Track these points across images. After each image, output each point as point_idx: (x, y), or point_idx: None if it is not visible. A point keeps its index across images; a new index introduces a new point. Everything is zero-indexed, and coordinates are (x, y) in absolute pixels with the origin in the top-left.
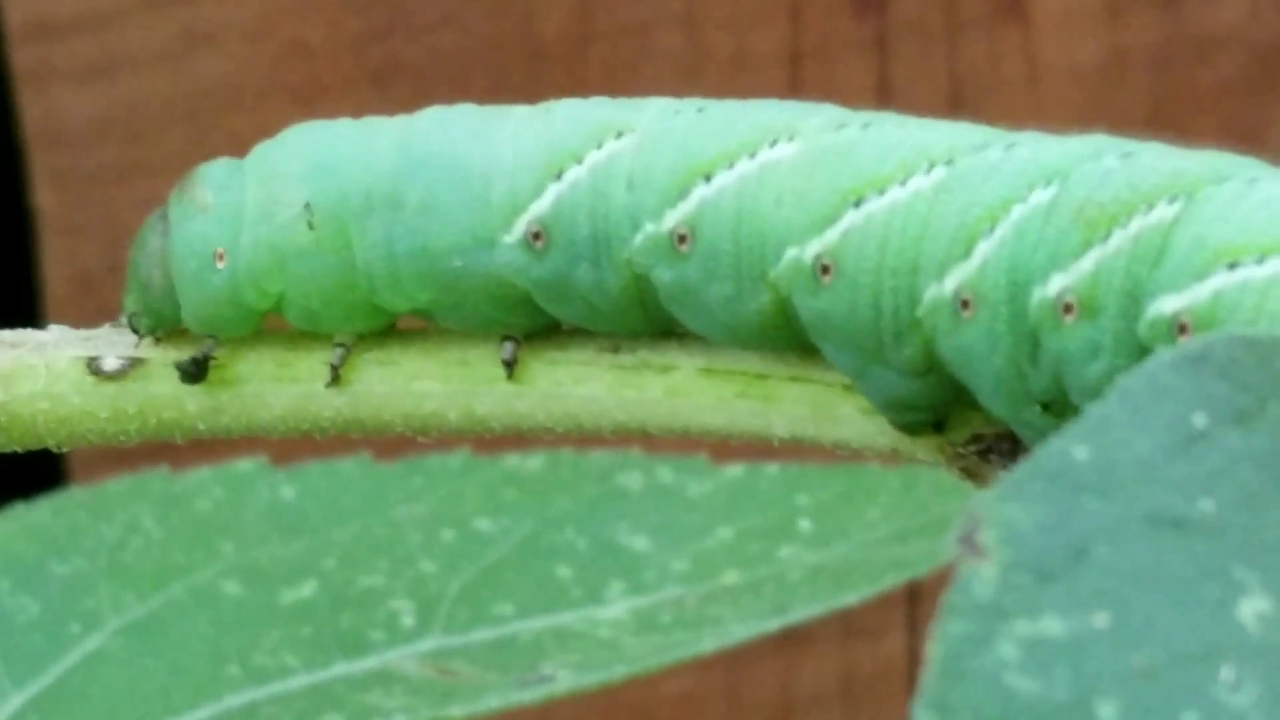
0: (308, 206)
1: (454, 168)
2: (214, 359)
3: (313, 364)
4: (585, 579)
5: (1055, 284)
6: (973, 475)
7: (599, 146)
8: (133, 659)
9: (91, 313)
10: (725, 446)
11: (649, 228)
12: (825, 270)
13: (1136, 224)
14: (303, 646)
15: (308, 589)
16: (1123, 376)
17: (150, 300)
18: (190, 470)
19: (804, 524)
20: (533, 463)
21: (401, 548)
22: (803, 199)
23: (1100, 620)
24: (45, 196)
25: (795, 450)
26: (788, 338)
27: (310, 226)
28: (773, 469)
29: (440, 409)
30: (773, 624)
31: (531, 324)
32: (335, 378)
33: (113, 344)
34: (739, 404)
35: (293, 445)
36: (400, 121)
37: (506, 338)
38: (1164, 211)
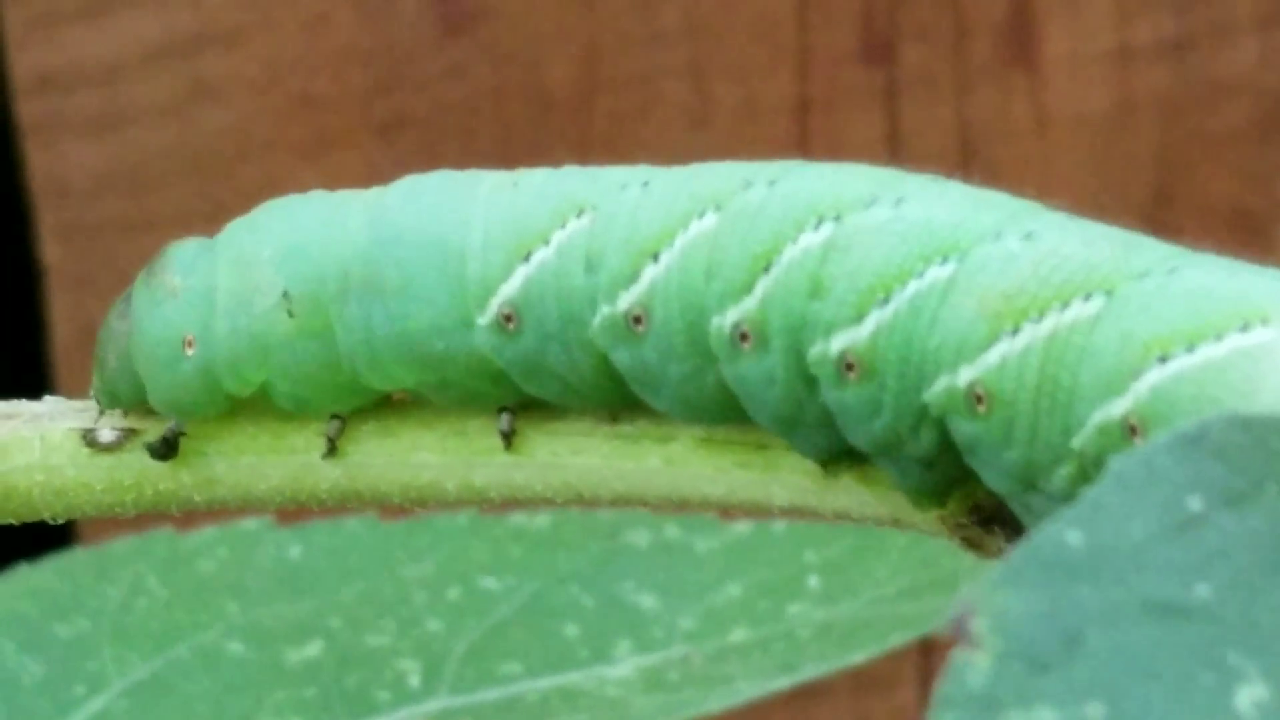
0: (286, 294)
1: (428, 246)
2: (184, 435)
3: (309, 435)
4: (592, 637)
5: (964, 375)
6: (975, 545)
7: (563, 226)
8: None
9: None
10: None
11: (605, 309)
12: (744, 337)
13: (1050, 321)
14: (308, 707)
15: (313, 649)
16: (1116, 459)
17: (105, 380)
18: (195, 530)
19: (812, 581)
20: (539, 521)
21: (407, 607)
22: (722, 268)
23: (1095, 710)
24: (52, 250)
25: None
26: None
27: (290, 314)
28: (780, 526)
29: (438, 479)
30: (782, 683)
31: (521, 397)
32: (332, 449)
33: (108, 416)
34: (739, 474)
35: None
36: (371, 196)
37: (503, 409)
38: (1080, 309)
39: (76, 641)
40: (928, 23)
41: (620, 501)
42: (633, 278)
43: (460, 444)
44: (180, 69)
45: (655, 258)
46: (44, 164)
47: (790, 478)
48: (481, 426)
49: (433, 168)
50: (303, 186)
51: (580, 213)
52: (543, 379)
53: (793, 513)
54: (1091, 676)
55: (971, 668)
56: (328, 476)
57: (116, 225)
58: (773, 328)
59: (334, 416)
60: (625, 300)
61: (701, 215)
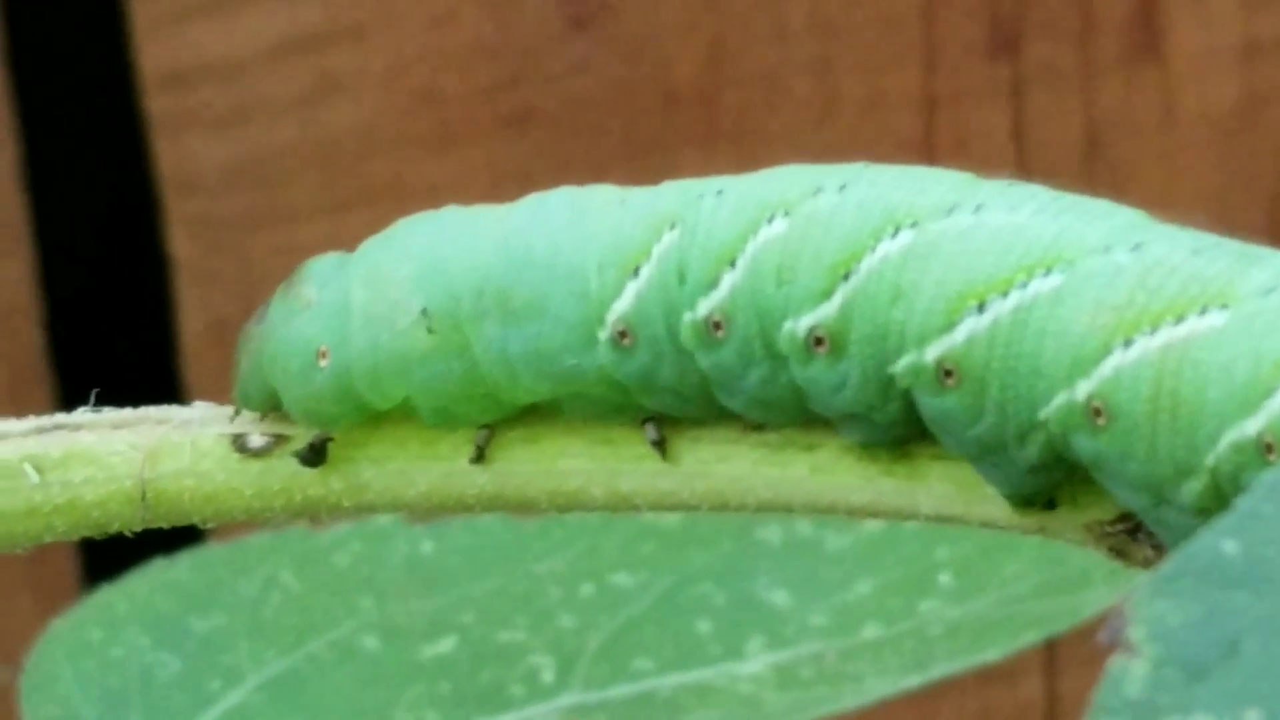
0: (425, 312)
1: (552, 265)
2: (331, 441)
3: (457, 441)
4: (724, 634)
5: (1082, 390)
6: (1121, 554)
7: (659, 240)
8: (273, 715)
9: (227, 359)
10: None
11: (687, 317)
12: (819, 342)
13: (1164, 334)
14: (442, 702)
15: (447, 644)
16: (1271, 470)
17: (240, 383)
18: (329, 526)
19: (944, 578)
20: (671, 518)
21: (541, 602)
22: (794, 274)
23: (1253, 717)
24: (180, 244)
25: None
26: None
27: (430, 331)
28: (911, 524)
29: (584, 486)
30: (913, 681)
31: (648, 409)
32: (480, 456)
33: (257, 421)
34: (884, 482)
35: None
36: (501, 213)
37: (648, 420)
38: (1197, 324)
39: (212, 636)
40: (1054, 17)
41: (766, 508)
42: (712, 284)
43: (607, 451)
44: (307, 64)
45: (732, 264)
46: (172, 159)
47: (936, 486)
48: (628, 434)
49: (558, 163)
50: (428, 181)
51: (672, 226)
52: (659, 393)
53: (939, 521)
54: (1248, 683)
55: (1129, 675)
56: (475, 483)
57: (244, 219)
58: (851, 336)
59: (482, 425)
60: (705, 306)
61: (770, 221)
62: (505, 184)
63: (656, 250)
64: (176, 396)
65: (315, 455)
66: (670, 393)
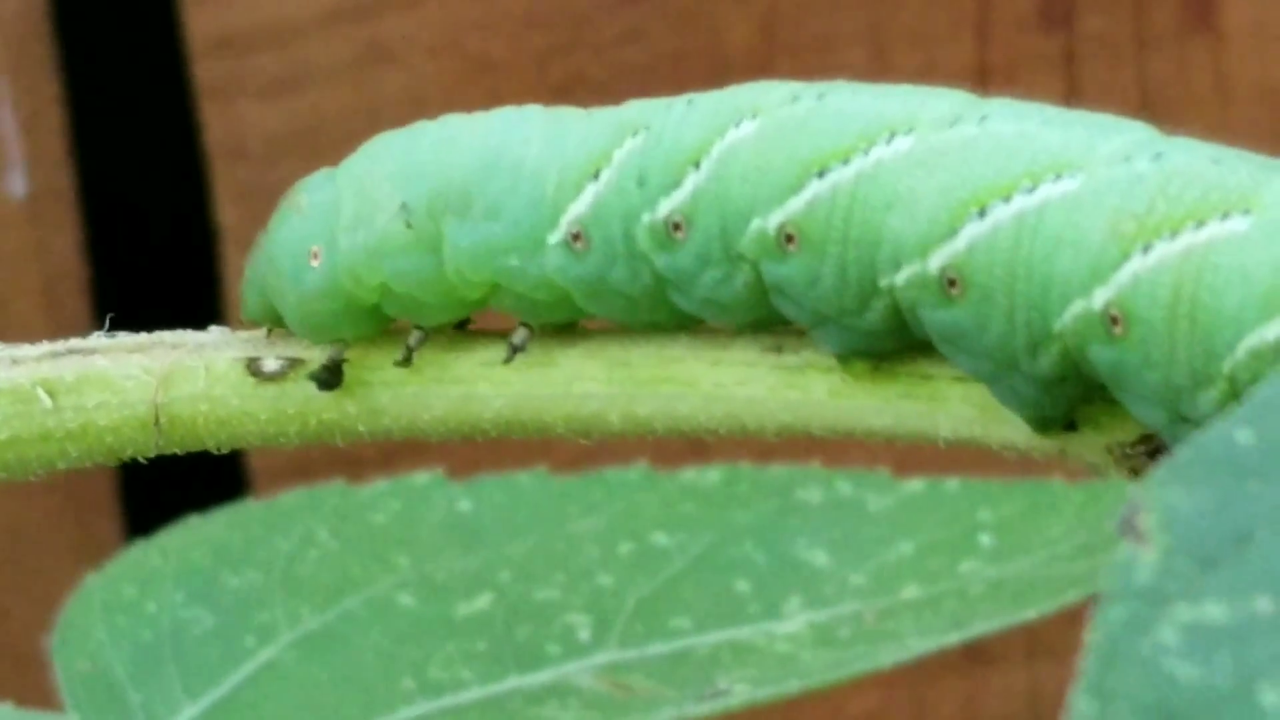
0: (404, 207)
1: (518, 169)
2: (346, 361)
3: (472, 365)
4: (763, 593)
5: (1099, 297)
6: (1141, 476)
7: (621, 146)
8: (307, 672)
9: None
10: (895, 451)
11: (645, 218)
12: (790, 239)
13: (1185, 240)
14: (478, 660)
15: (483, 602)
16: None
17: (243, 288)
18: (366, 483)
19: (985, 539)
20: (711, 476)
21: (578, 561)
22: (763, 172)
23: (1264, 605)
24: (227, 212)
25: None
26: (773, 313)
27: (408, 226)
28: (954, 483)
29: (601, 410)
30: (952, 639)
31: (577, 317)
32: (512, 355)
33: (272, 345)
34: (904, 405)
35: (469, 457)
36: (478, 121)
37: (523, 323)
38: (1218, 229)
39: (247, 592)
40: None
41: (785, 433)
42: (675, 185)
43: (624, 375)
44: (357, 31)
45: (697, 165)
46: (221, 126)
47: (956, 408)
48: (646, 356)
49: None
50: None
51: (635, 133)
52: (606, 297)
53: (958, 444)
54: (1260, 572)
55: (1138, 563)
56: (490, 406)
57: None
58: (831, 235)
59: (522, 325)
60: (665, 207)
61: (739, 124)
62: None
63: (618, 155)
64: None
65: (331, 376)
66: (619, 296)
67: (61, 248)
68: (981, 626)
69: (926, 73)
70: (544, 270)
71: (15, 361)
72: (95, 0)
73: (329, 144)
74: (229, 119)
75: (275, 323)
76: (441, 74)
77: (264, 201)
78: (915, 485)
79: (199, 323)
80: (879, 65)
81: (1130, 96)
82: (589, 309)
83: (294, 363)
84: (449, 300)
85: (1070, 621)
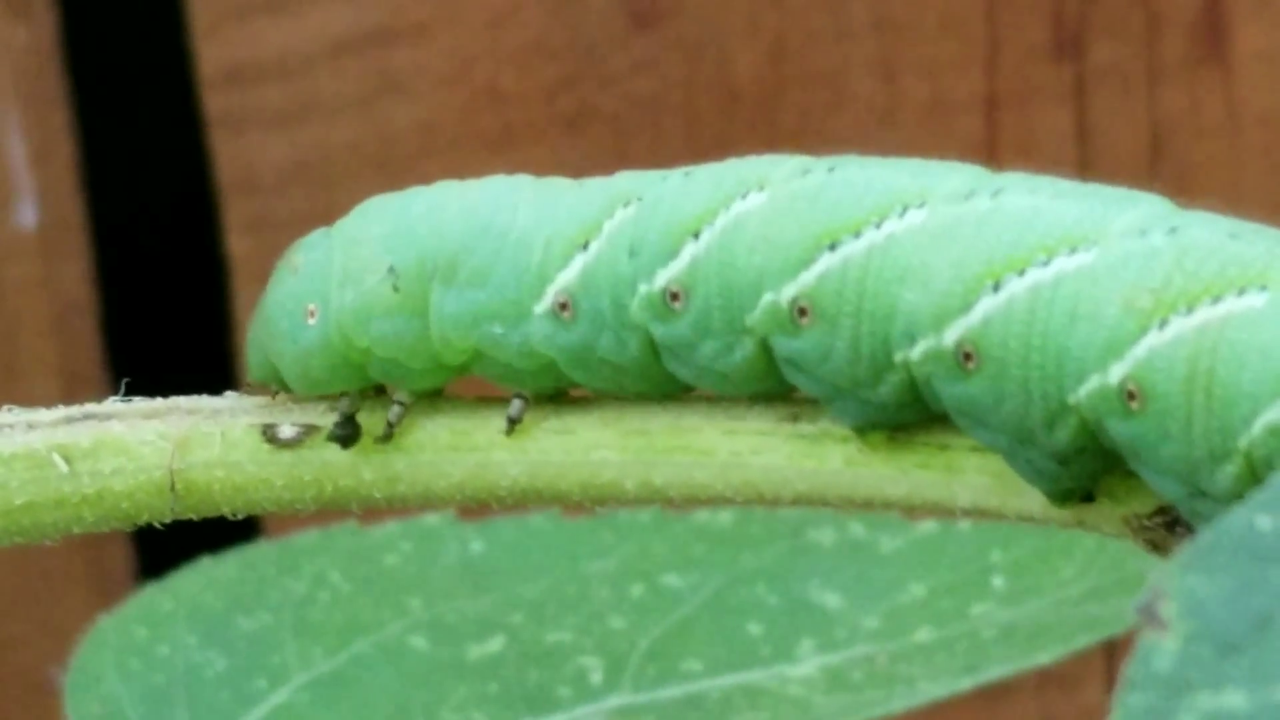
0: (391, 270)
1: (505, 237)
2: (359, 410)
3: (490, 433)
4: (775, 636)
5: (1115, 372)
6: (1158, 548)
7: (611, 216)
8: (318, 715)
9: None
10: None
11: (642, 289)
12: (803, 313)
13: (1201, 315)
14: (490, 703)
15: (495, 644)
16: None
17: (247, 354)
18: (378, 524)
19: (997, 581)
20: (723, 518)
21: (590, 603)
22: (774, 245)
23: None
24: (238, 243)
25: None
26: (776, 384)
27: (395, 289)
28: (965, 525)
29: (617, 478)
30: (964, 683)
31: (558, 386)
32: (511, 428)
33: (288, 411)
34: (920, 475)
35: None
36: (470, 188)
37: (517, 394)
38: (1234, 305)
39: (259, 634)
40: (1118, 18)
41: (801, 501)
42: (672, 255)
43: (641, 443)
44: (367, 63)
45: (696, 235)
46: (231, 157)
47: (973, 479)
48: (663, 425)
49: (620, 162)
50: None
51: (626, 203)
52: (592, 366)
53: (975, 514)
54: None
55: (1159, 650)
56: (508, 474)
57: (303, 219)
58: (843, 308)
59: (517, 396)
60: (663, 277)
61: (745, 196)
62: None
63: (608, 226)
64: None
65: (348, 431)
66: (606, 365)
67: (71, 278)
68: (994, 671)
69: (936, 103)
70: (528, 339)
71: (31, 426)
72: (106, 32)
73: (339, 175)
74: (239, 150)
75: (280, 383)
76: (451, 104)
77: (274, 232)
78: (927, 526)
79: (210, 355)
80: (888, 96)
81: (1141, 126)
82: (575, 377)
83: (309, 429)
84: (431, 365)
85: (1081, 652)
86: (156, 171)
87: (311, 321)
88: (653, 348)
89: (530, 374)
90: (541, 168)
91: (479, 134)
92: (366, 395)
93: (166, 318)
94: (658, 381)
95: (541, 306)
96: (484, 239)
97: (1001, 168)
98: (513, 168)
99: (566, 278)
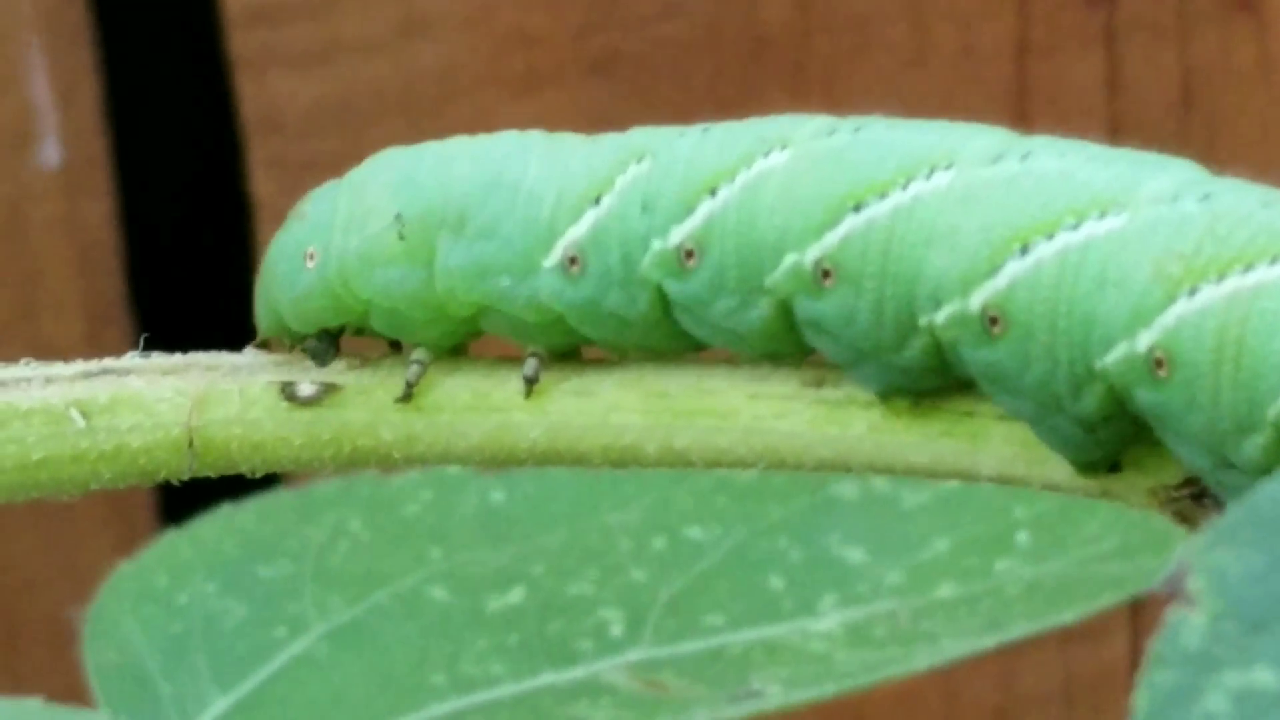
0: (398, 217)
1: (516, 191)
2: (337, 350)
3: (509, 394)
4: (797, 590)
5: (1143, 339)
6: (1186, 519)
7: (625, 172)
8: (338, 665)
9: None
10: None
11: (656, 245)
12: (826, 275)
13: (1231, 284)
14: (510, 655)
15: (515, 596)
16: None
17: (255, 304)
18: (399, 473)
19: (1021, 537)
20: (745, 471)
21: (611, 555)
22: (797, 205)
23: None
24: (262, 184)
25: None
26: (792, 345)
27: (400, 237)
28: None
29: (638, 442)
30: (987, 642)
31: (565, 343)
32: (529, 389)
33: (307, 369)
34: (945, 443)
35: None
36: (481, 141)
37: (533, 353)
38: (1266, 274)
39: (279, 584)
40: None
41: (824, 467)
42: (687, 212)
43: (662, 405)
44: (392, 3)
45: (713, 193)
46: (255, 98)
47: (998, 448)
48: (684, 388)
49: (645, 107)
50: (513, 124)
51: (641, 159)
52: (601, 321)
53: (999, 482)
54: None
55: (1187, 626)
56: (527, 436)
57: (327, 160)
58: (866, 269)
59: (532, 354)
60: (677, 234)
61: (767, 154)
62: (591, 127)
63: (620, 181)
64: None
65: (322, 344)
66: (615, 320)
67: (95, 218)
68: (1017, 629)
69: (966, 50)
70: (535, 293)
71: (49, 381)
72: None
73: (364, 116)
74: (264, 90)
75: (287, 334)
76: (477, 47)
77: (298, 174)
78: (951, 482)
79: (233, 295)
80: (918, 42)
81: (1172, 75)
82: (583, 332)
83: (329, 388)
84: (436, 317)
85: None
86: (181, 111)
87: (310, 265)
88: (662, 305)
89: (538, 328)
90: (566, 111)
91: (504, 76)
92: (346, 354)
93: (190, 258)
94: (666, 338)
95: (550, 261)
96: (494, 191)
97: (1031, 116)
98: (537, 111)
99: (577, 232)
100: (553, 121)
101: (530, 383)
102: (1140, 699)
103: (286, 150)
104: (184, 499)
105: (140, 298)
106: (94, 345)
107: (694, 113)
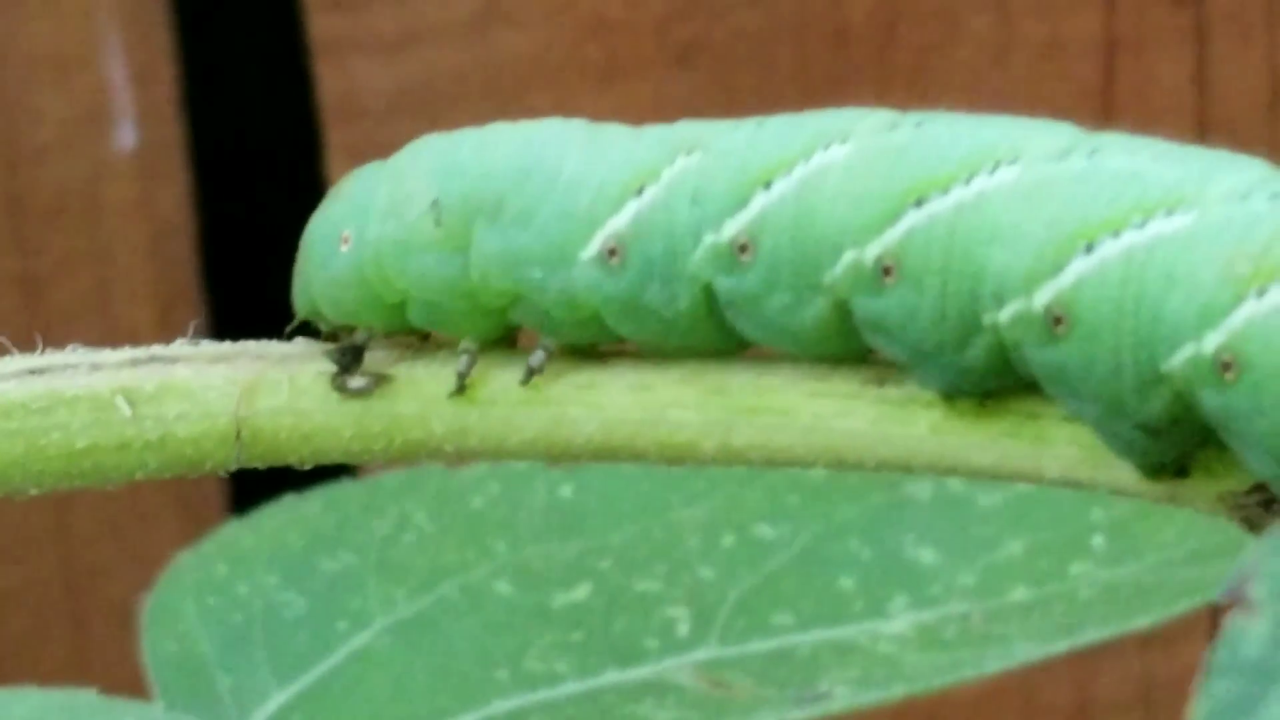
0: (435, 204)
1: (555, 180)
2: (368, 346)
3: (565, 388)
4: (868, 591)
5: (1210, 341)
6: (1254, 526)
7: (672, 163)
8: (399, 659)
9: None
10: None
11: (708, 239)
12: (887, 272)
13: None
14: (574, 652)
15: (581, 592)
16: None
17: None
18: (465, 466)
19: (1097, 540)
20: (817, 469)
21: (679, 552)
22: (857, 200)
23: None
24: (341, 170)
25: None
26: (845, 345)
27: (437, 224)
28: None
29: (695, 438)
30: (1060, 646)
31: (595, 340)
32: (529, 377)
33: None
34: (1009, 444)
35: None
36: (523, 129)
37: (542, 346)
38: None
39: (341, 576)
40: None
41: (884, 468)
42: (740, 205)
43: (720, 402)
44: None
45: (768, 186)
46: (334, 82)
47: (1063, 450)
48: (743, 385)
49: (727, 98)
50: (593, 113)
51: (690, 151)
52: (638, 317)
53: (1065, 486)
54: None
55: (1247, 634)
56: (582, 431)
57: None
58: (928, 266)
59: (541, 346)
60: (731, 227)
61: (827, 148)
62: (672, 118)
63: (667, 173)
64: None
65: (345, 359)
66: (653, 317)
67: (169, 201)
68: (1091, 634)
69: (1053, 44)
70: (569, 285)
71: (95, 368)
72: None
73: (443, 103)
74: (343, 75)
75: (317, 318)
76: (558, 35)
77: (375, 159)
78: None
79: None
80: (1003, 35)
81: (1260, 74)
82: (618, 329)
83: (380, 379)
84: (471, 307)
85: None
86: (258, 95)
87: (345, 248)
88: (705, 303)
89: (569, 324)
90: (646, 101)
91: (585, 65)
92: (399, 344)
93: (264, 243)
94: (705, 337)
95: (588, 252)
96: (533, 179)
97: (1116, 113)
98: (618, 100)
99: (618, 223)
100: (633, 111)
101: (532, 372)
102: (1199, 708)
103: (365, 136)
104: (255, 487)
105: (213, 283)
106: (166, 329)
107: (776, 104)
